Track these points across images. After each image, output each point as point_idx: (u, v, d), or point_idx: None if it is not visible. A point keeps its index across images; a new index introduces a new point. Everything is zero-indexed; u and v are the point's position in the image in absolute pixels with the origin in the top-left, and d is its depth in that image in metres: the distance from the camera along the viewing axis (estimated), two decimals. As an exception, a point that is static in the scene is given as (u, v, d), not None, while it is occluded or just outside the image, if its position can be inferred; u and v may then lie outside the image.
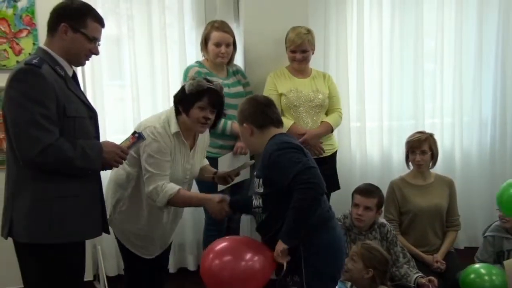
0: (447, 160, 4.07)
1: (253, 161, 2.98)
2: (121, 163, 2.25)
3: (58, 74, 2.08)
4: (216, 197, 2.49)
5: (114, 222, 2.55)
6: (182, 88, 2.48)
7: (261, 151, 2.35)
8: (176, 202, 2.46)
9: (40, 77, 2.00)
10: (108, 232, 2.38)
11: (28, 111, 1.96)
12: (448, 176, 3.53)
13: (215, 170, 2.78)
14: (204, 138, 2.70)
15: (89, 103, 2.25)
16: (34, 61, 2.02)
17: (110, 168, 2.28)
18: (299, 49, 3.26)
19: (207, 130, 2.63)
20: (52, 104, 2.01)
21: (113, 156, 2.17)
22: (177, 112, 2.49)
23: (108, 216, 2.45)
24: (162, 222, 2.59)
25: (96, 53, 2.20)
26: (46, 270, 2.09)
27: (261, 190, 2.31)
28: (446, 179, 3.45)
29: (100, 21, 2.18)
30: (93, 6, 3.51)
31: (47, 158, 1.98)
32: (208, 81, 2.49)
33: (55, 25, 2.11)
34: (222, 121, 3.12)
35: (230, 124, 3.16)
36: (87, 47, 2.15)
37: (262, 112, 2.35)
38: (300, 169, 2.13)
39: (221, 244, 2.30)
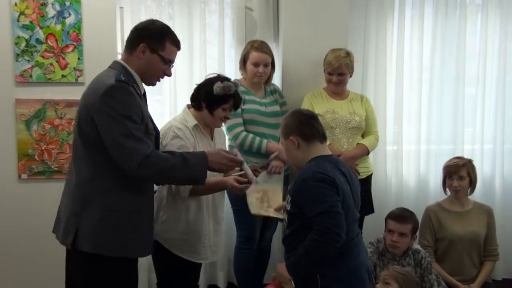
0: (486, 188, 3.98)
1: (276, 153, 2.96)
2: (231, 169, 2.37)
3: (137, 92, 2.12)
4: (231, 177, 2.52)
5: (160, 234, 2.54)
6: (209, 88, 2.52)
7: (302, 166, 2.32)
8: (199, 190, 2.48)
9: (130, 94, 2.05)
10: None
11: (122, 125, 2.00)
12: (487, 204, 3.44)
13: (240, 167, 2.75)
14: (219, 133, 2.80)
15: (154, 122, 2.26)
16: (123, 77, 2.06)
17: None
18: (336, 72, 3.25)
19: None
20: (138, 119, 2.05)
21: (219, 164, 2.26)
22: (196, 108, 2.58)
23: None
24: (204, 217, 2.60)
25: (169, 74, 2.24)
26: (102, 282, 2.10)
27: (288, 207, 2.32)
28: (485, 207, 3.36)
29: (177, 45, 2.22)
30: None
31: (148, 168, 2.01)
32: (227, 80, 2.56)
33: (135, 44, 2.15)
34: (258, 139, 3.14)
35: (265, 142, 3.17)
36: (161, 69, 2.18)
37: (309, 123, 2.35)
38: (323, 211, 2.12)
39: None
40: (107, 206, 2.07)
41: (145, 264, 3.57)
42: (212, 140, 2.67)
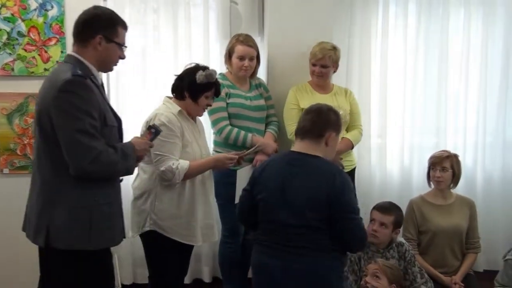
0: (468, 181, 4.01)
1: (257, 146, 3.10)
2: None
3: (95, 84, 2.13)
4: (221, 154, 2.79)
5: (157, 223, 2.60)
6: (192, 78, 2.60)
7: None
8: (191, 174, 2.61)
9: (87, 88, 2.04)
10: (124, 237, 2.40)
11: (79, 121, 1.99)
12: (469, 197, 3.48)
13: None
14: (199, 120, 2.86)
15: (115, 112, 2.28)
16: (79, 72, 2.05)
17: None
18: (319, 63, 3.26)
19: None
20: (96, 114, 2.05)
21: (143, 151, 2.28)
22: (179, 98, 2.68)
23: (148, 223, 2.59)
24: (197, 200, 2.67)
25: (124, 57, 2.26)
26: (83, 277, 2.10)
27: None
28: (467, 200, 3.40)
29: (126, 27, 2.25)
30: (122, 16, 3.61)
31: (98, 165, 2.02)
32: (207, 68, 2.64)
33: (88, 36, 2.14)
34: (242, 133, 3.14)
35: (250, 136, 3.17)
36: (118, 55, 2.22)
37: (300, 119, 2.49)
38: None
39: None
40: (75, 202, 2.06)
41: (129, 258, 3.57)
42: (196, 123, 2.76)
